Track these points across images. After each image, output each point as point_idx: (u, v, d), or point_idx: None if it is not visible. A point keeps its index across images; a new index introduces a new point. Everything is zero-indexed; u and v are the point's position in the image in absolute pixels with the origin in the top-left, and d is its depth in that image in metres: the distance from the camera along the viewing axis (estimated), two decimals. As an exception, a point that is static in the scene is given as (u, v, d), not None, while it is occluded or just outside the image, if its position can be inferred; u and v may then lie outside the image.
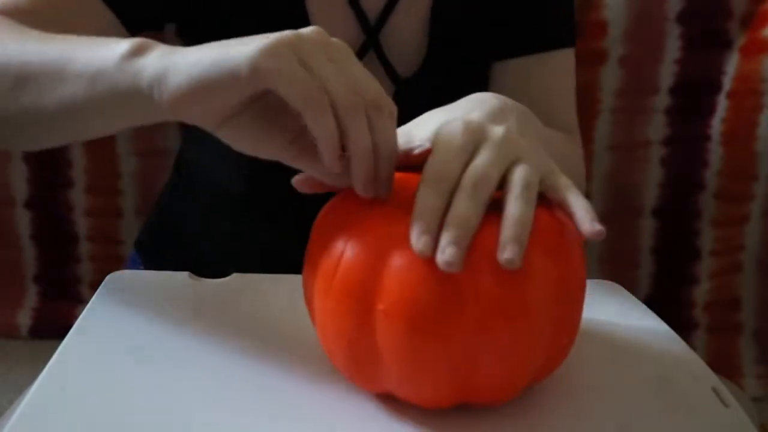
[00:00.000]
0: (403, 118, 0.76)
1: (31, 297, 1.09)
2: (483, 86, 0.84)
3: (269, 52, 0.41)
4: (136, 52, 0.46)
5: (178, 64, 0.43)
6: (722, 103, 1.00)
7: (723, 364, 1.07)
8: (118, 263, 1.06)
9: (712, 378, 0.48)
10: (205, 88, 0.42)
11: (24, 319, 1.07)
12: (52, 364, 0.45)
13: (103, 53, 0.47)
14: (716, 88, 1.00)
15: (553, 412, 0.44)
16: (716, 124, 1.01)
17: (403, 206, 0.41)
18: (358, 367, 0.42)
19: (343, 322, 0.40)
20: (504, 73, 0.82)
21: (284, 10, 0.74)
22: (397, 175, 0.45)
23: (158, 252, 0.88)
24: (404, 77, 0.76)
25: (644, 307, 0.57)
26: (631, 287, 0.77)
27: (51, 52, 0.51)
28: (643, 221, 1.07)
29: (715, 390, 0.46)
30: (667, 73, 1.00)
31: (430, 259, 0.37)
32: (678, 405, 0.45)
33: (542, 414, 0.43)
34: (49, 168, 1.04)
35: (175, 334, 0.49)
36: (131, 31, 0.68)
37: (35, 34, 0.55)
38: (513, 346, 0.39)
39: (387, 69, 0.75)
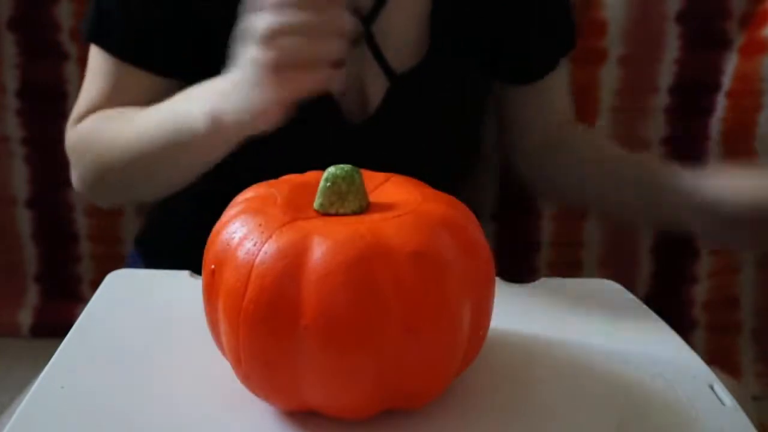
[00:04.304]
0: (395, 114, 0.77)
1: (32, 296, 1.09)
2: (482, 87, 0.84)
3: None
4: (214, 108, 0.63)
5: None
6: (721, 103, 1.00)
7: (722, 362, 1.07)
8: (118, 262, 1.06)
9: (710, 377, 0.48)
10: None
11: (25, 317, 1.08)
12: (53, 363, 0.45)
13: (186, 140, 0.66)
14: (715, 87, 1.00)
15: (551, 411, 0.44)
16: (715, 124, 1.01)
17: (302, 216, 0.41)
18: (275, 386, 0.40)
19: (260, 342, 0.38)
20: (511, 93, 0.86)
21: None
22: (292, 179, 0.46)
23: (158, 250, 0.88)
24: (399, 72, 0.76)
25: (643, 306, 0.57)
26: (631, 286, 0.77)
27: (144, 144, 0.70)
28: (643, 220, 1.07)
29: (713, 389, 0.46)
30: (666, 73, 1.00)
31: (347, 266, 0.37)
32: (676, 404, 0.45)
33: (541, 413, 0.44)
34: (49, 168, 1.05)
35: (176, 333, 0.49)
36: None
37: (127, 131, 0.71)
38: (439, 345, 0.39)
39: (381, 63, 0.75)
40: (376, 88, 0.76)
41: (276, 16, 0.57)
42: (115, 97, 0.76)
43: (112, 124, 0.75)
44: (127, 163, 0.73)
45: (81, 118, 0.78)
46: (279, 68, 0.57)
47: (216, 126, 0.63)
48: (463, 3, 0.77)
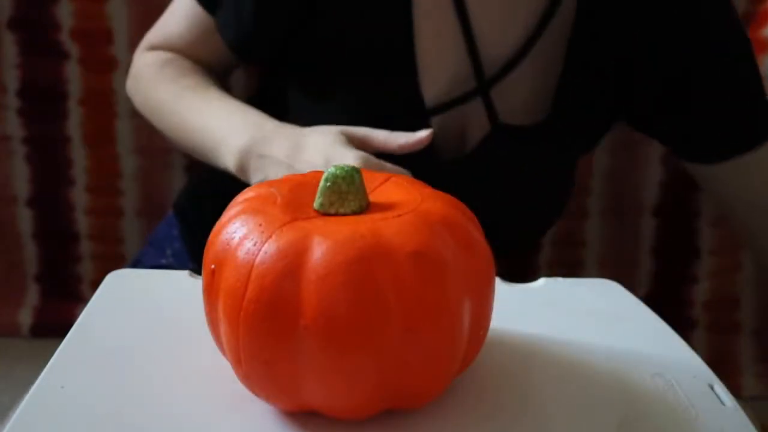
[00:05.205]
0: (490, 159, 0.77)
1: (32, 296, 1.09)
2: (589, 150, 0.85)
3: None
4: (240, 172, 0.69)
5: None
6: (722, 102, 1.00)
7: (722, 362, 1.08)
8: (119, 262, 1.07)
9: (710, 377, 0.48)
10: None
11: (25, 317, 1.08)
12: (53, 363, 0.45)
13: (212, 161, 0.73)
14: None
15: (551, 411, 0.44)
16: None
17: (302, 216, 0.41)
18: (275, 386, 0.40)
19: (260, 342, 0.38)
20: (712, 174, 0.79)
21: (391, 36, 0.73)
22: (292, 179, 0.45)
23: (195, 213, 0.89)
24: (505, 123, 0.75)
25: (644, 305, 0.57)
26: (631, 286, 0.78)
27: (185, 133, 0.76)
28: (643, 220, 1.07)
29: (713, 388, 0.46)
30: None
31: (347, 266, 0.37)
32: (676, 404, 0.45)
33: (541, 413, 0.44)
34: (50, 167, 1.05)
35: (176, 333, 0.49)
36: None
37: (178, 105, 0.78)
38: (439, 345, 0.39)
39: (491, 117, 0.75)
40: (477, 134, 0.76)
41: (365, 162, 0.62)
42: (190, 47, 0.82)
43: (166, 87, 0.79)
44: (162, 130, 0.80)
45: (154, 46, 0.84)
46: None
47: (240, 175, 0.69)
48: (597, 77, 0.76)
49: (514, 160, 0.76)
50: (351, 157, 0.61)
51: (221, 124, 0.72)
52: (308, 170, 0.63)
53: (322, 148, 0.63)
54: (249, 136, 0.68)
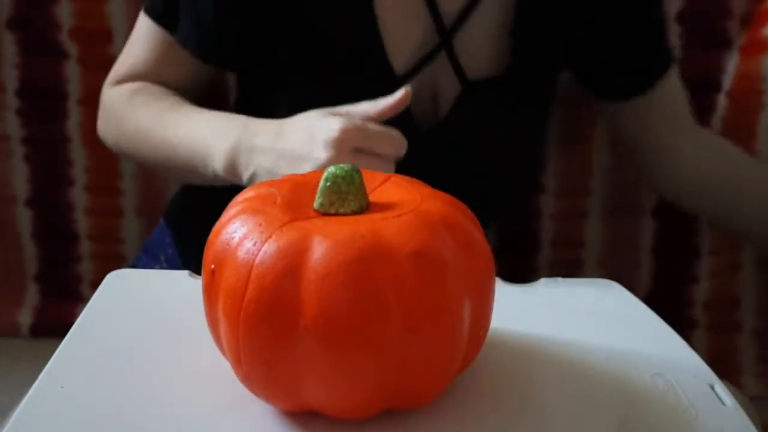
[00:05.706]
0: (465, 121, 0.78)
1: (32, 296, 1.09)
2: (551, 100, 0.85)
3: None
4: (230, 173, 0.69)
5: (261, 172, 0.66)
6: (722, 103, 1.00)
7: (722, 363, 1.07)
8: (118, 262, 1.07)
9: (711, 376, 0.48)
10: None
11: (25, 317, 1.08)
12: (53, 363, 0.45)
13: (200, 171, 0.73)
14: (716, 87, 1.00)
15: (551, 411, 0.44)
16: (716, 124, 1.01)
17: (302, 216, 0.41)
18: (275, 386, 0.40)
19: (260, 342, 0.38)
20: (619, 111, 0.89)
21: (352, 11, 0.74)
22: (292, 179, 0.46)
23: (186, 221, 0.89)
24: (473, 79, 0.76)
25: (644, 306, 0.57)
26: (631, 286, 0.78)
27: (168, 152, 0.75)
28: (643, 220, 1.07)
29: (713, 388, 0.46)
30: (667, 72, 1.00)
31: (347, 266, 0.37)
32: (676, 404, 0.45)
33: (541, 413, 0.44)
34: (50, 167, 1.05)
35: (176, 333, 0.49)
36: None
37: (153, 126, 0.77)
38: (439, 345, 0.39)
39: (458, 74, 0.75)
40: (449, 96, 0.76)
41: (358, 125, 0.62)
42: (156, 71, 0.81)
43: (141, 113, 0.78)
44: (144, 156, 0.79)
45: (120, 80, 0.83)
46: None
47: (231, 177, 0.69)
48: (547, 18, 0.77)
49: (486, 117, 0.78)
50: (335, 122, 0.62)
51: (206, 132, 0.72)
52: (293, 147, 0.64)
53: (306, 125, 0.65)
54: (235, 136, 0.68)
